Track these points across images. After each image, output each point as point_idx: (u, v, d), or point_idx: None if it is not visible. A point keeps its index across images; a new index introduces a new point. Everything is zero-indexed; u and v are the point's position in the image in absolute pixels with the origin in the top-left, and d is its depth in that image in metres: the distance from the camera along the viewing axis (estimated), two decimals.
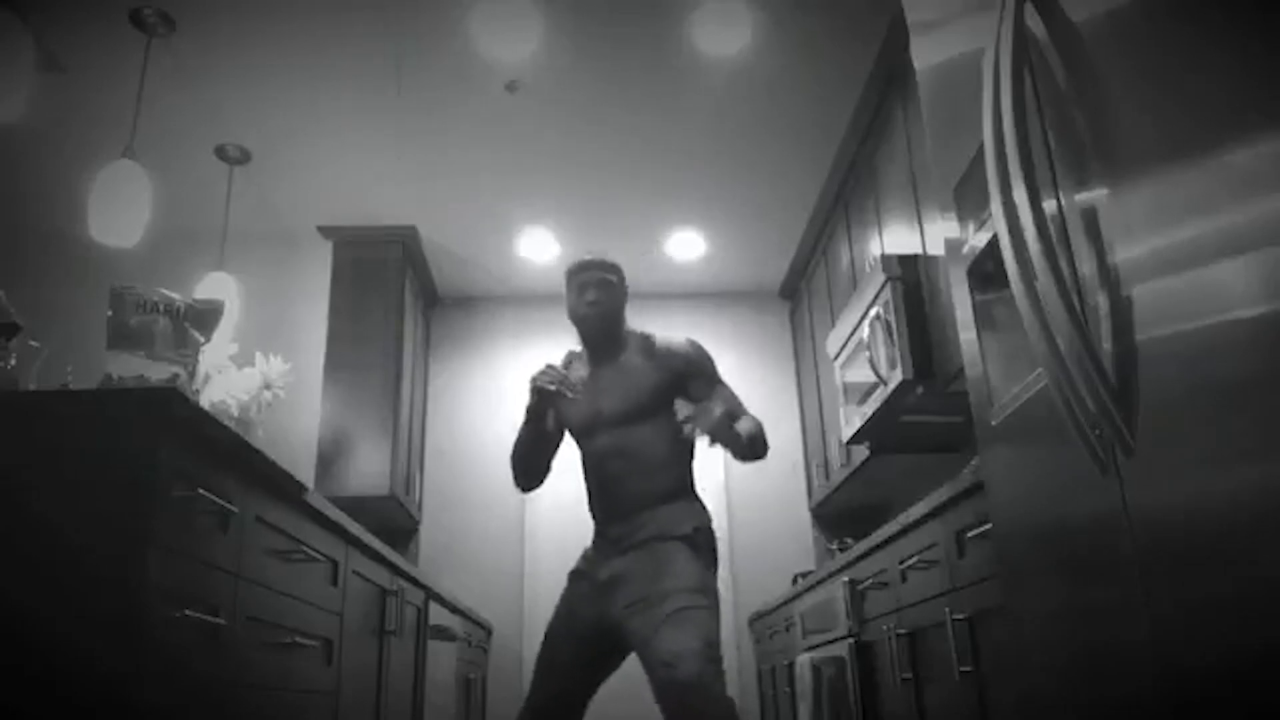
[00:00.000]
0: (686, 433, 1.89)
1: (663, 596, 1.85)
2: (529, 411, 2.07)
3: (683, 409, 1.97)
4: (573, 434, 2.16)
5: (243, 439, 1.53)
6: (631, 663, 1.96)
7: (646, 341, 2.14)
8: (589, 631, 1.99)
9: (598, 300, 2.10)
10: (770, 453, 2.11)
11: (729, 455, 2.03)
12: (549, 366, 2.03)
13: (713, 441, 1.89)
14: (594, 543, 2.10)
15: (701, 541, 1.98)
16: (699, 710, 1.68)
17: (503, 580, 4.58)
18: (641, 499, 2.03)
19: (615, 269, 2.16)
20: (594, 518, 2.13)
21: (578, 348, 2.24)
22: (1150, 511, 0.96)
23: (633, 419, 2.06)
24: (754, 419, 2.06)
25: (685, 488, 2.09)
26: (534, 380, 2.02)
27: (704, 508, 2.08)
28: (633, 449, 2.05)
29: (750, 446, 2.01)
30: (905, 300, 2.95)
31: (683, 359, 2.11)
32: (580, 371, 2.18)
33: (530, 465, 2.16)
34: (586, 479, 2.14)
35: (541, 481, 2.21)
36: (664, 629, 1.79)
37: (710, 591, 1.90)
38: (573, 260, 2.18)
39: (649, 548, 1.96)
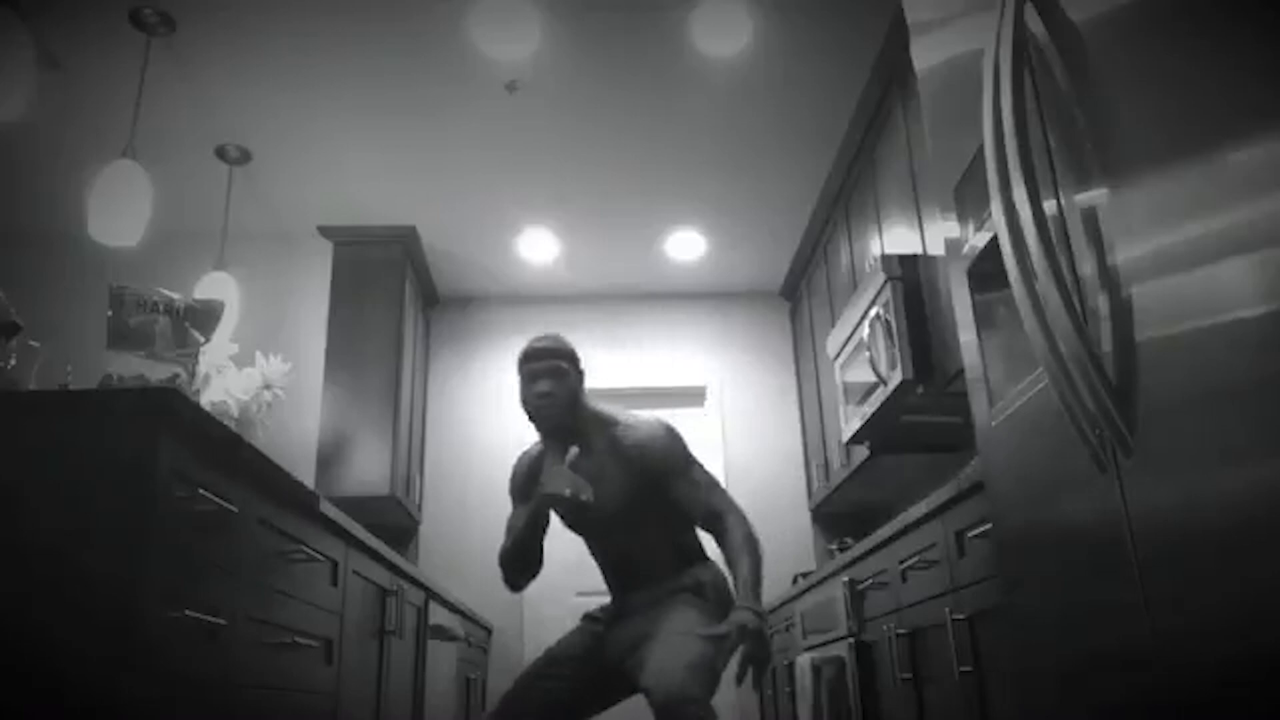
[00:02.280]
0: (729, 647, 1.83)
1: (658, 630, 1.89)
2: (535, 517, 2.00)
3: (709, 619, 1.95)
4: (563, 521, 2.14)
5: (243, 439, 1.53)
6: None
7: (611, 436, 2.05)
8: (591, 657, 2.04)
9: (550, 393, 2.01)
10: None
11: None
12: (558, 468, 1.95)
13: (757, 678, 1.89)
14: (613, 599, 2.15)
15: (709, 594, 2.00)
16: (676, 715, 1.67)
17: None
18: (651, 573, 2.07)
19: (567, 354, 2.07)
20: (607, 586, 2.18)
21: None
22: (1150, 511, 0.96)
23: (618, 523, 2.05)
24: (744, 527, 1.97)
25: (694, 553, 2.11)
26: (545, 487, 1.93)
27: (711, 564, 2.10)
28: (628, 543, 2.08)
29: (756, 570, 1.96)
30: (905, 300, 2.95)
31: (654, 461, 2.01)
32: (557, 465, 2.08)
33: (529, 566, 2.10)
34: (591, 554, 2.18)
35: (529, 580, 2.14)
36: (653, 651, 1.81)
37: (704, 623, 1.91)
38: (522, 347, 2.10)
39: (657, 608, 2.00)
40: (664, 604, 1.99)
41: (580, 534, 2.13)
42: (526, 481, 2.18)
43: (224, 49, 3.19)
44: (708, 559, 2.13)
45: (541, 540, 2.08)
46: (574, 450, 1.99)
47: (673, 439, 2.04)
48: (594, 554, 2.16)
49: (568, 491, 1.90)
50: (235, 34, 3.12)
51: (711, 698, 1.74)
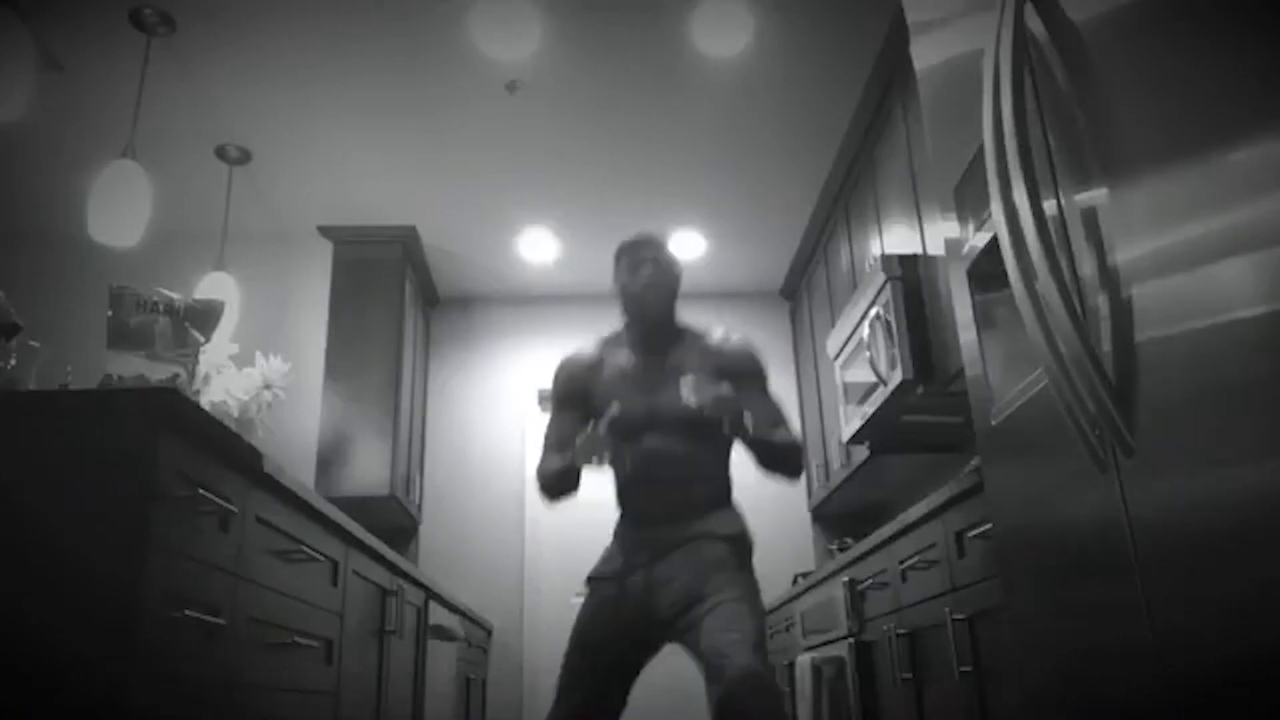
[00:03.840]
0: (688, 401, 1.78)
1: (710, 593, 1.78)
2: (570, 472, 1.93)
3: (686, 385, 1.81)
4: (615, 433, 1.98)
5: (243, 439, 1.53)
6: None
7: (700, 340, 2.00)
8: (633, 634, 1.88)
9: (654, 279, 1.95)
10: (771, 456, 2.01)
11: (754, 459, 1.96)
12: (592, 434, 1.82)
13: (730, 429, 1.81)
14: (624, 541, 1.97)
15: (743, 547, 1.92)
16: (752, 702, 1.59)
17: (503, 580, 4.58)
18: (686, 507, 1.93)
19: (661, 245, 2.03)
20: (625, 514, 2.01)
21: (607, 331, 2.10)
22: (1150, 511, 0.96)
23: (683, 427, 1.92)
24: (790, 434, 1.97)
25: (728, 497, 2.02)
26: (582, 451, 1.83)
27: (741, 514, 2.01)
28: (681, 457, 1.93)
29: (771, 452, 1.92)
30: (905, 300, 2.95)
31: (740, 364, 1.97)
32: (620, 360, 2.03)
33: (563, 492, 2.00)
34: (621, 475, 2.00)
35: (572, 492, 2.03)
36: (712, 624, 1.72)
37: (754, 591, 1.84)
38: (624, 239, 2.05)
39: (693, 547, 1.87)
40: (702, 553, 1.86)
41: (625, 438, 1.95)
42: (578, 385, 2.05)
43: (224, 49, 3.19)
44: (739, 509, 2.01)
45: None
46: (623, 363, 1.96)
47: (760, 358, 2.02)
48: (625, 472, 1.98)
49: (694, 401, 1.77)
50: (235, 34, 3.12)
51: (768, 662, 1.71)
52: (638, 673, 1.91)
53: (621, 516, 2.04)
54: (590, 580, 1.98)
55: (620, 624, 1.89)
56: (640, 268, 1.99)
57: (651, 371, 1.98)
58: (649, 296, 1.96)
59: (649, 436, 1.95)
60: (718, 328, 2.07)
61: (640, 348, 2.01)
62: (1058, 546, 1.20)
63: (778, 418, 1.99)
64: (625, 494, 2.02)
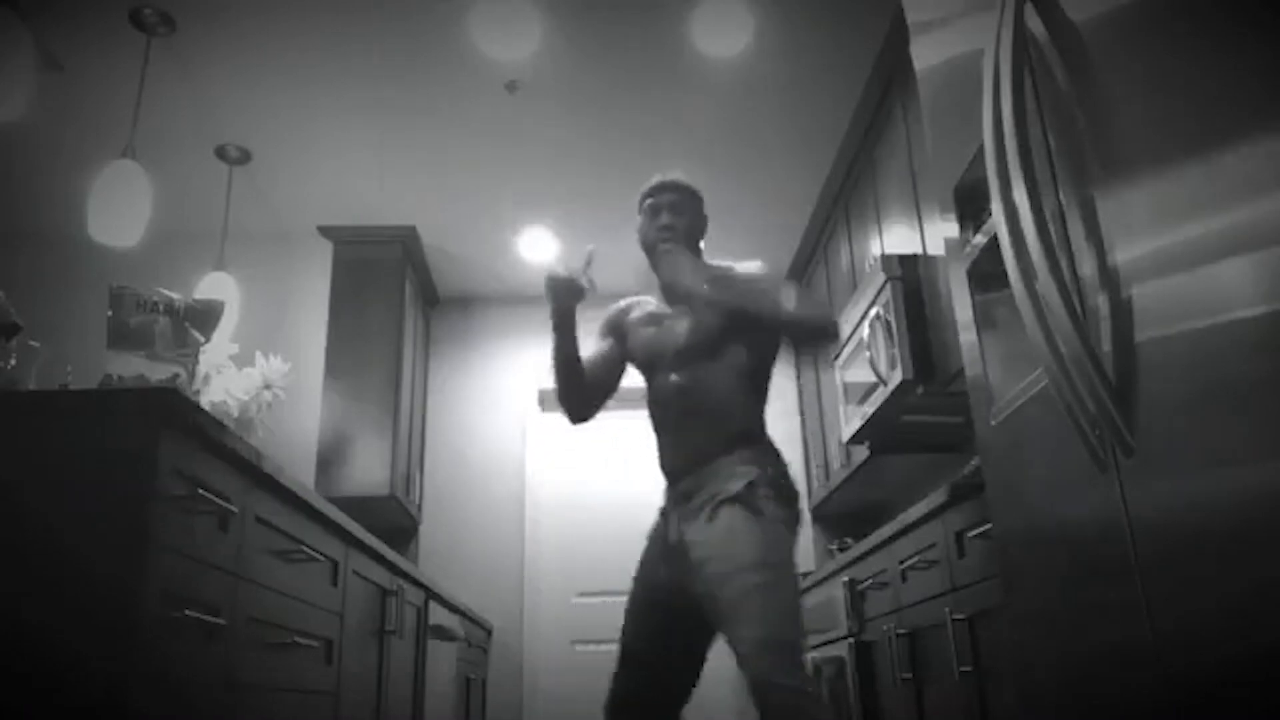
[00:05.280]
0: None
1: (724, 579, 1.65)
2: (553, 320, 1.95)
3: (675, 266, 1.84)
4: (641, 370, 2.00)
5: (243, 439, 1.53)
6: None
7: (723, 274, 1.93)
8: (669, 597, 1.79)
9: (671, 225, 1.94)
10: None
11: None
12: (557, 271, 1.90)
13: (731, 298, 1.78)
14: (666, 495, 1.91)
15: (759, 497, 1.74)
16: (762, 708, 1.54)
17: (503, 580, 4.58)
18: (706, 446, 1.82)
19: (690, 190, 2.00)
20: (662, 469, 1.94)
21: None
22: (1150, 511, 0.96)
23: (700, 354, 1.88)
24: (812, 308, 1.89)
25: (751, 432, 1.87)
26: (548, 282, 1.90)
27: (770, 452, 1.86)
28: (699, 388, 1.87)
29: (790, 317, 1.82)
30: (905, 300, 2.95)
31: (752, 280, 1.91)
32: (649, 305, 2.04)
33: (571, 388, 1.98)
34: (652, 425, 1.96)
35: (592, 411, 2.02)
36: (727, 620, 1.62)
37: (773, 558, 1.69)
38: (645, 183, 2.03)
39: (709, 513, 1.74)
40: (716, 523, 1.72)
41: (650, 378, 1.96)
42: (614, 324, 2.10)
43: (224, 49, 3.19)
44: (766, 443, 1.89)
45: (579, 368, 1.99)
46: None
47: (779, 275, 1.96)
48: (653, 419, 1.95)
49: (564, 274, 1.87)
50: (235, 34, 3.12)
51: (802, 640, 1.62)
52: (696, 638, 1.79)
53: (661, 469, 1.95)
54: (649, 534, 1.91)
55: (655, 588, 1.81)
56: (657, 215, 1.98)
57: (674, 310, 1.97)
58: (661, 246, 1.95)
59: (666, 373, 1.92)
60: (743, 264, 1.98)
61: (665, 292, 2.01)
62: (1058, 546, 1.20)
63: (798, 299, 1.89)
64: (656, 443, 1.95)
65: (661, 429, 1.94)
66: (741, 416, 1.88)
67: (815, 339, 1.89)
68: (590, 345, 2.09)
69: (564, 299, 1.94)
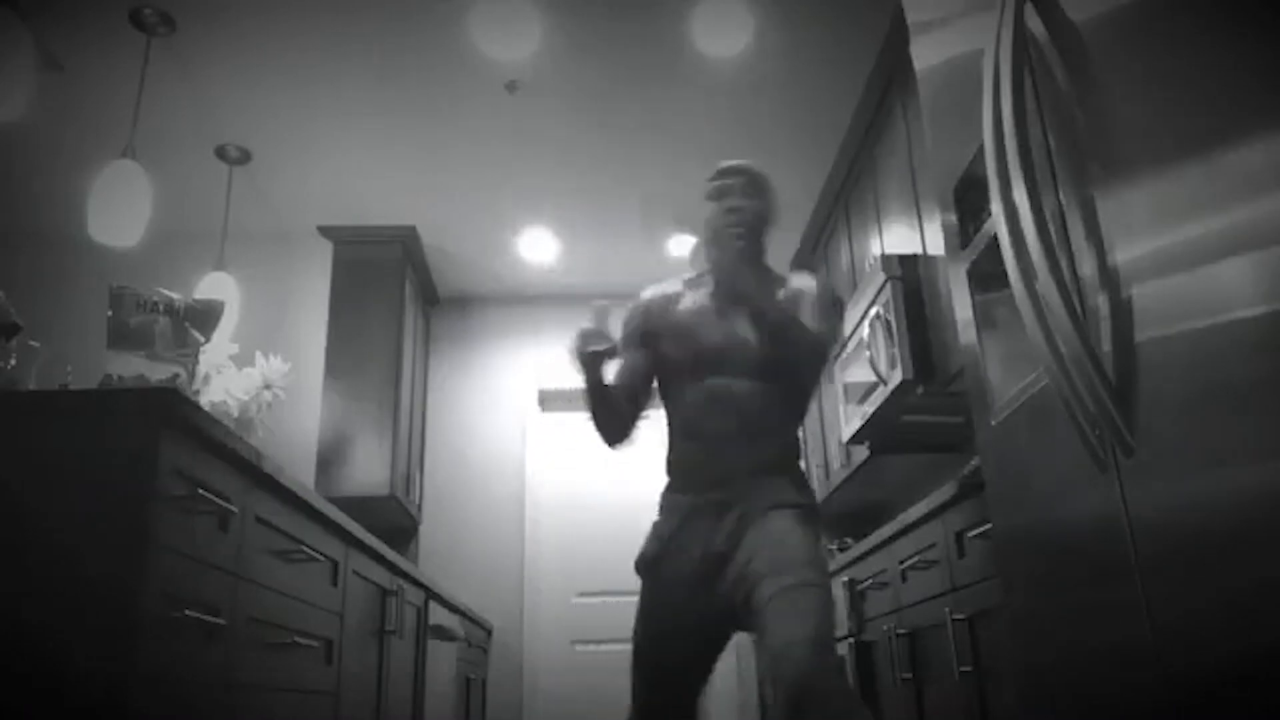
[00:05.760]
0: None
1: (774, 571, 1.57)
2: (586, 383, 1.78)
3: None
4: (673, 367, 1.85)
5: (243, 439, 1.53)
6: None
7: (778, 282, 1.84)
8: (701, 621, 1.71)
9: (740, 207, 1.81)
10: None
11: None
12: (582, 332, 1.73)
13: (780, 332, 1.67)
14: (673, 510, 1.78)
15: (814, 518, 1.71)
16: (807, 709, 1.44)
17: (503, 580, 4.58)
18: (749, 463, 1.73)
19: (763, 178, 1.88)
20: (676, 475, 1.82)
21: (691, 274, 1.96)
22: (1150, 511, 0.96)
23: (751, 369, 1.77)
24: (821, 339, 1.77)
25: (794, 461, 1.80)
26: (574, 352, 1.74)
27: (807, 483, 1.81)
28: (746, 403, 1.76)
29: (805, 357, 1.73)
30: (905, 300, 2.95)
31: (809, 303, 1.81)
32: (698, 297, 1.90)
33: (607, 418, 1.85)
34: (677, 429, 1.84)
35: (632, 433, 1.90)
36: (772, 612, 1.53)
37: (822, 566, 1.63)
38: (719, 166, 1.91)
39: (756, 517, 1.67)
40: (768, 524, 1.66)
41: (688, 381, 1.82)
42: (647, 323, 1.92)
43: (224, 49, 3.19)
44: (805, 476, 1.82)
45: (617, 401, 1.85)
46: (698, 300, 1.83)
47: (836, 301, 1.85)
48: (681, 423, 1.82)
49: (597, 347, 1.69)
50: (235, 34, 3.12)
51: (837, 657, 1.53)
52: (715, 655, 1.74)
53: (670, 482, 1.83)
54: (639, 567, 1.80)
55: (684, 613, 1.72)
56: (722, 198, 1.84)
57: (728, 310, 1.83)
58: (728, 230, 1.82)
59: (713, 378, 1.79)
60: (802, 275, 1.92)
61: (721, 286, 1.85)
62: (1058, 546, 1.20)
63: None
64: (680, 448, 1.82)
65: (693, 435, 1.80)
66: (790, 442, 1.81)
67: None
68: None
69: (593, 368, 1.77)
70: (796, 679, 1.42)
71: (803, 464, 1.89)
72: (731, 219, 1.81)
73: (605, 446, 1.92)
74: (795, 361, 1.76)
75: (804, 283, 1.89)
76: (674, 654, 1.72)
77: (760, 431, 1.76)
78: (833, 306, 1.85)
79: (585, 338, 1.73)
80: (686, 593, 1.71)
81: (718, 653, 1.76)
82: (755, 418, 1.76)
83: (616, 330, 1.85)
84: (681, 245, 4.63)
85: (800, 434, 1.90)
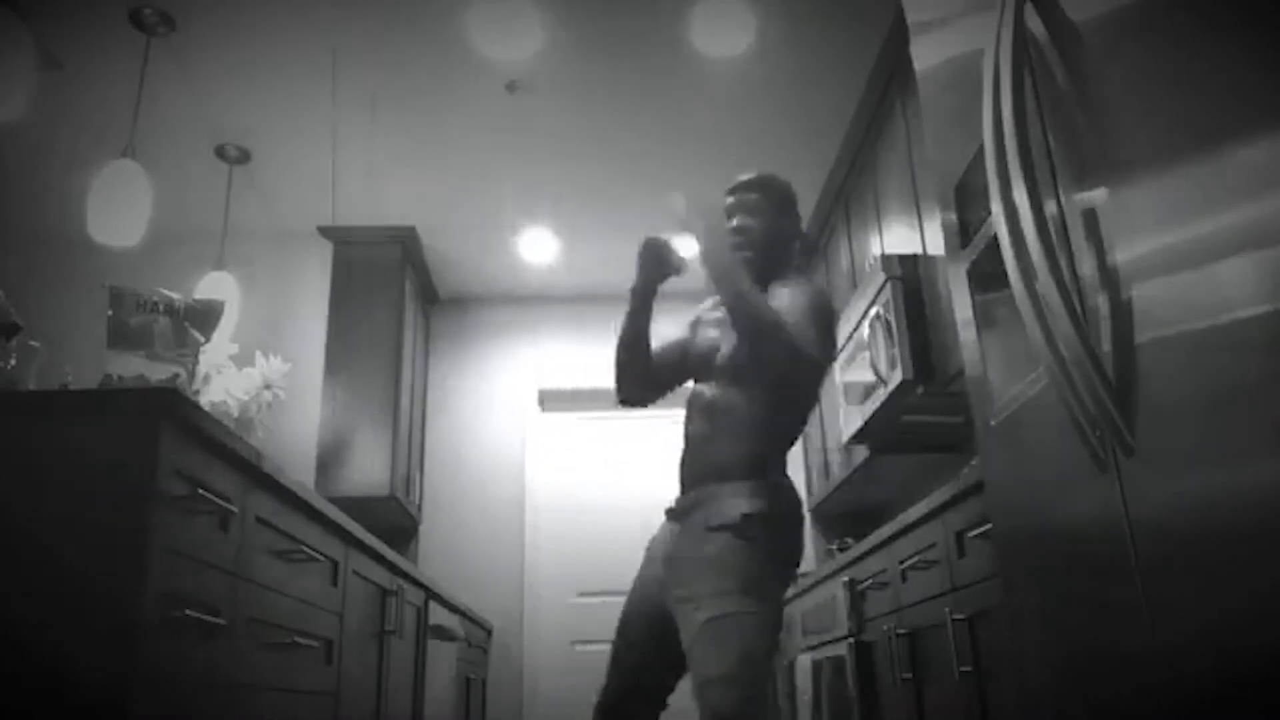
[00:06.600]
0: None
1: (700, 600, 1.62)
2: (635, 288, 1.85)
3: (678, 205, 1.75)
4: (690, 374, 1.96)
5: (243, 439, 1.53)
6: None
7: (774, 289, 1.85)
8: (655, 609, 1.76)
9: (743, 228, 1.87)
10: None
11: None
12: (657, 238, 1.80)
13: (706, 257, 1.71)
14: (674, 503, 1.87)
15: (756, 529, 1.67)
16: None
17: (503, 580, 4.58)
18: (705, 469, 1.78)
19: (773, 191, 1.91)
20: (679, 476, 1.89)
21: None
22: (1150, 511, 0.96)
23: (728, 370, 1.80)
24: (782, 326, 1.70)
25: (755, 467, 1.76)
26: (643, 248, 1.81)
27: (777, 491, 1.76)
28: (717, 408, 1.80)
29: (749, 318, 1.69)
30: (905, 300, 2.95)
31: (780, 300, 1.79)
32: (709, 307, 1.96)
33: (629, 363, 1.90)
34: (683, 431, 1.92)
35: (643, 394, 1.94)
36: (695, 645, 1.60)
37: (754, 589, 1.63)
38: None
39: (697, 534, 1.70)
40: (702, 544, 1.68)
41: (696, 379, 1.92)
42: (691, 323, 2.05)
43: (224, 49, 3.19)
44: (773, 482, 1.77)
45: (645, 346, 1.91)
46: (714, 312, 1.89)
47: (810, 299, 1.79)
48: (686, 421, 1.88)
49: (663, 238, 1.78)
50: (235, 34, 3.12)
51: (763, 680, 1.59)
52: (673, 660, 1.72)
53: None
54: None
55: (644, 600, 1.80)
56: (730, 217, 1.91)
57: (725, 322, 1.87)
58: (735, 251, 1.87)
59: (699, 383, 1.88)
60: (797, 280, 1.91)
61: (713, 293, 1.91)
62: (1058, 546, 1.20)
63: (787, 314, 1.75)
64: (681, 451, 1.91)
65: (684, 438, 1.88)
66: (750, 448, 1.78)
67: (770, 346, 1.73)
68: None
69: (653, 270, 1.84)
70: (711, 717, 1.52)
71: (793, 465, 1.90)
72: (738, 240, 1.89)
73: (618, 395, 1.98)
74: (766, 364, 1.75)
75: (803, 285, 1.90)
76: (636, 634, 1.81)
77: (723, 435, 1.79)
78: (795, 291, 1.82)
79: (664, 245, 1.80)
80: (643, 589, 1.82)
81: (677, 646, 1.72)
82: (720, 422, 1.80)
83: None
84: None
85: (791, 436, 1.88)
